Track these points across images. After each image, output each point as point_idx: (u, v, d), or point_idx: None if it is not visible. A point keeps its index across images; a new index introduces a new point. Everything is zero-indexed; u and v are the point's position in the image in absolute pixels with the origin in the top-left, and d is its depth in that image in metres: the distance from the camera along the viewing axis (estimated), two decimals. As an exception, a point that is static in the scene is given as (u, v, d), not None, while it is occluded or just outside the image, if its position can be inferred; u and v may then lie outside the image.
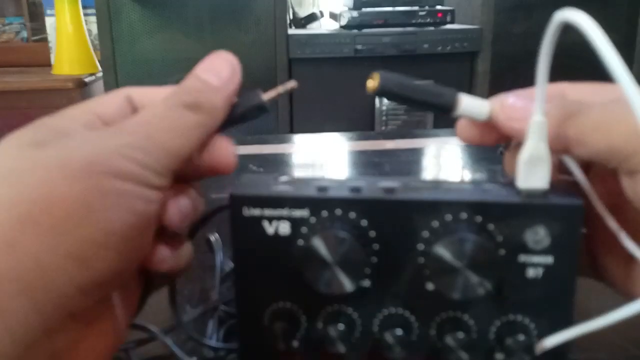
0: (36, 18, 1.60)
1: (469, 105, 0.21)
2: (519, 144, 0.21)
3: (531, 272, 0.20)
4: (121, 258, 0.18)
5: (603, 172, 0.21)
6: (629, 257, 0.22)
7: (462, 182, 0.22)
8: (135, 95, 0.22)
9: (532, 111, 0.20)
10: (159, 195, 0.19)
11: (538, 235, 0.20)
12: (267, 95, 0.22)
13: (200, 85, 0.20)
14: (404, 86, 0.21)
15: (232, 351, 0.26)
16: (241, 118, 0.21)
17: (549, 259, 0.20)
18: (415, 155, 0.63)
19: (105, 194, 0.17)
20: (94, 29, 1.33)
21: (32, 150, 0.17)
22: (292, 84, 0.22)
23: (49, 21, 1.48)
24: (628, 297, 0.23)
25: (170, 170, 0.19)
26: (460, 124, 0.23)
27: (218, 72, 0.21)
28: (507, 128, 0.21)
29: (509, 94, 0.22)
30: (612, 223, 0.20)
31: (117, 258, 0.17)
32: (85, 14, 1.40)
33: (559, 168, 0.23)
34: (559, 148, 0.20)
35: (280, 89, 0.22)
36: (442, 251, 0.19)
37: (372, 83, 0.21)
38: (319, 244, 0.20)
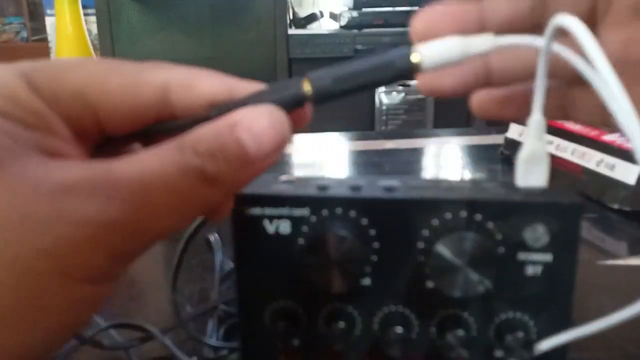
0: (36, 18, 1.60)
1: (432, 51, 0.17)
2: None
3: (530, 270, 0.20)
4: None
5: None
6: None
7: (461, 180, 0.22)
8: (175, 91, 0.16)
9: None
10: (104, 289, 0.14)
11: (537, 233, 0.20)
12: None
13: (234, 148, 0.15)
14: (342, 79, 0.17)
15: (232, 350, 0.26)
16: None
17: (547, 257, 0.20)
18: (415, 155, 0.63)
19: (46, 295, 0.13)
20: (94, 29, 1.33)
21: None
22: None
23: (49, 21, 1.47)
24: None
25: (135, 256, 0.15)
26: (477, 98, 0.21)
27: (262, 138, 0.15)
28: None
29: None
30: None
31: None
32: (86, 14, 1.39)
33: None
34: None
35: None
36: (442, 249, 0.20)
37: (306, 91, 0.17)
38: (319, 243, 0.20)
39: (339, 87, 0.17)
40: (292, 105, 0.17)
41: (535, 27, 0.19)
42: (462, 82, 0.21)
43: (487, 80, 0.21)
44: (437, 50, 0.17)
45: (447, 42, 0.17)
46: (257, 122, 0.15)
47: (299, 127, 0.17)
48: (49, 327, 0.14)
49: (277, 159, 0.16)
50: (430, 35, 0.18)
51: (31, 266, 0.13)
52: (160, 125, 0.17)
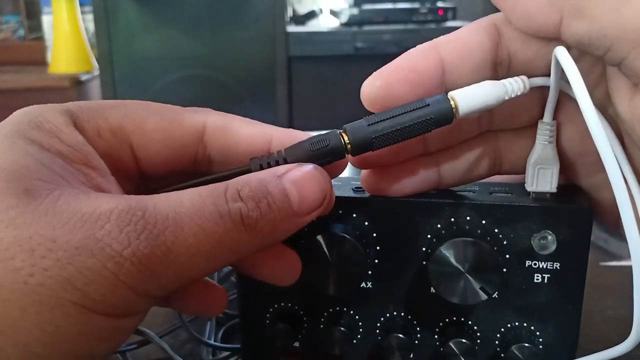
0: (33, 16, 1.59)
1: (468, 97, 0.17)
2: None
3: (537, 278, 0.20)
4: None
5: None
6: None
7: (467, 184, 0.21)
8: (211, 134, 0.17)
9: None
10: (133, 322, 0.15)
11: (545, 240, 0.19)
12: None
13: (278, 197, 0.15)
14: (382, 135, 0.17)
15: (232, 351, 0.26)
16: None
17: (556, 265, 0.19)
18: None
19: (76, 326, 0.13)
20: (91, 27, 1.33)
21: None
22: None
23: (46, 19, 1.47)
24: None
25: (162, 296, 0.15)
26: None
27: (306, 193, 0.16)
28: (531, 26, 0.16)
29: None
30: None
31: None
32: (83, 12, 1.39)
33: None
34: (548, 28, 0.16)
35: None
36: (445, 254, 0.19)
37: (346, 146, 0.17)
38: (320, 245, 0.20)
39: (378, 143, 0.17)
40: (331, 160, 0.18)
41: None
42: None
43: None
44: (473, 97, 0.17)
45: (482, 87, 0.17)
46: (302, 177, 0.16)
47: (332, 177, 0.18)
48: (67, 354, 0.14)
49: (314, 217, 0.16)
50: (388, 99, 0.17)
51: (54, 295, 0.13)
52: (203, 179, 0.17)
